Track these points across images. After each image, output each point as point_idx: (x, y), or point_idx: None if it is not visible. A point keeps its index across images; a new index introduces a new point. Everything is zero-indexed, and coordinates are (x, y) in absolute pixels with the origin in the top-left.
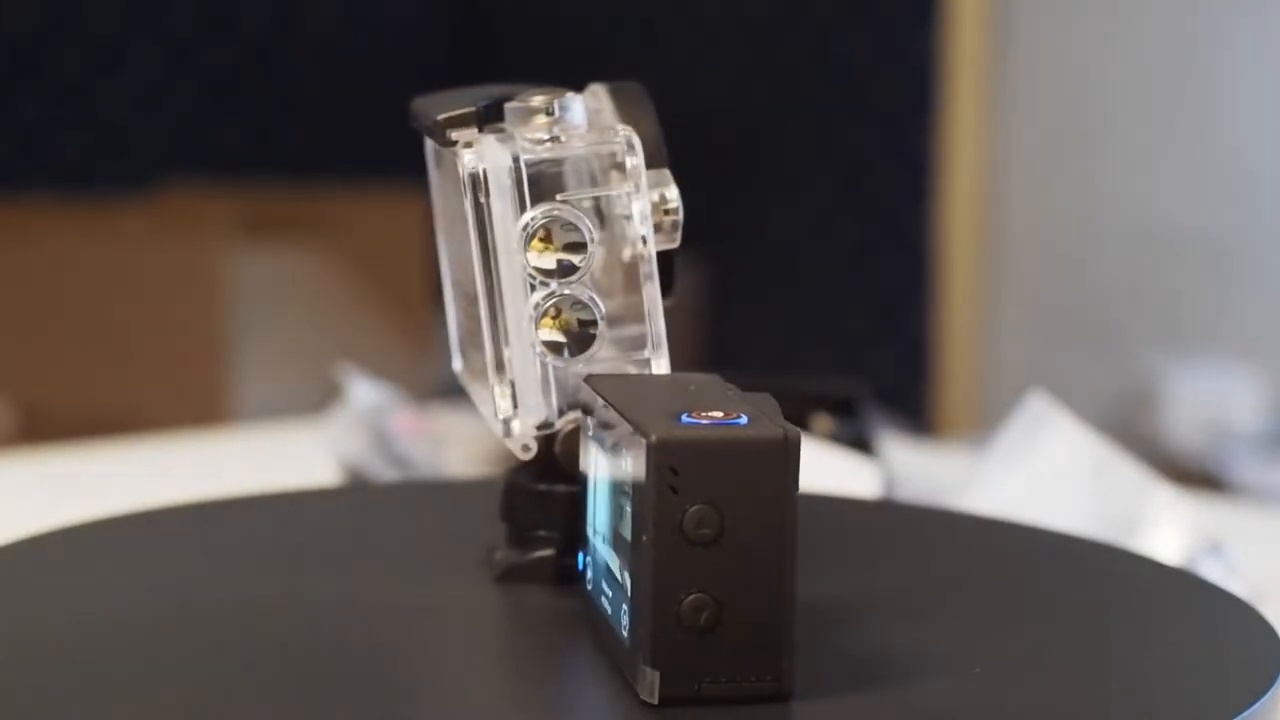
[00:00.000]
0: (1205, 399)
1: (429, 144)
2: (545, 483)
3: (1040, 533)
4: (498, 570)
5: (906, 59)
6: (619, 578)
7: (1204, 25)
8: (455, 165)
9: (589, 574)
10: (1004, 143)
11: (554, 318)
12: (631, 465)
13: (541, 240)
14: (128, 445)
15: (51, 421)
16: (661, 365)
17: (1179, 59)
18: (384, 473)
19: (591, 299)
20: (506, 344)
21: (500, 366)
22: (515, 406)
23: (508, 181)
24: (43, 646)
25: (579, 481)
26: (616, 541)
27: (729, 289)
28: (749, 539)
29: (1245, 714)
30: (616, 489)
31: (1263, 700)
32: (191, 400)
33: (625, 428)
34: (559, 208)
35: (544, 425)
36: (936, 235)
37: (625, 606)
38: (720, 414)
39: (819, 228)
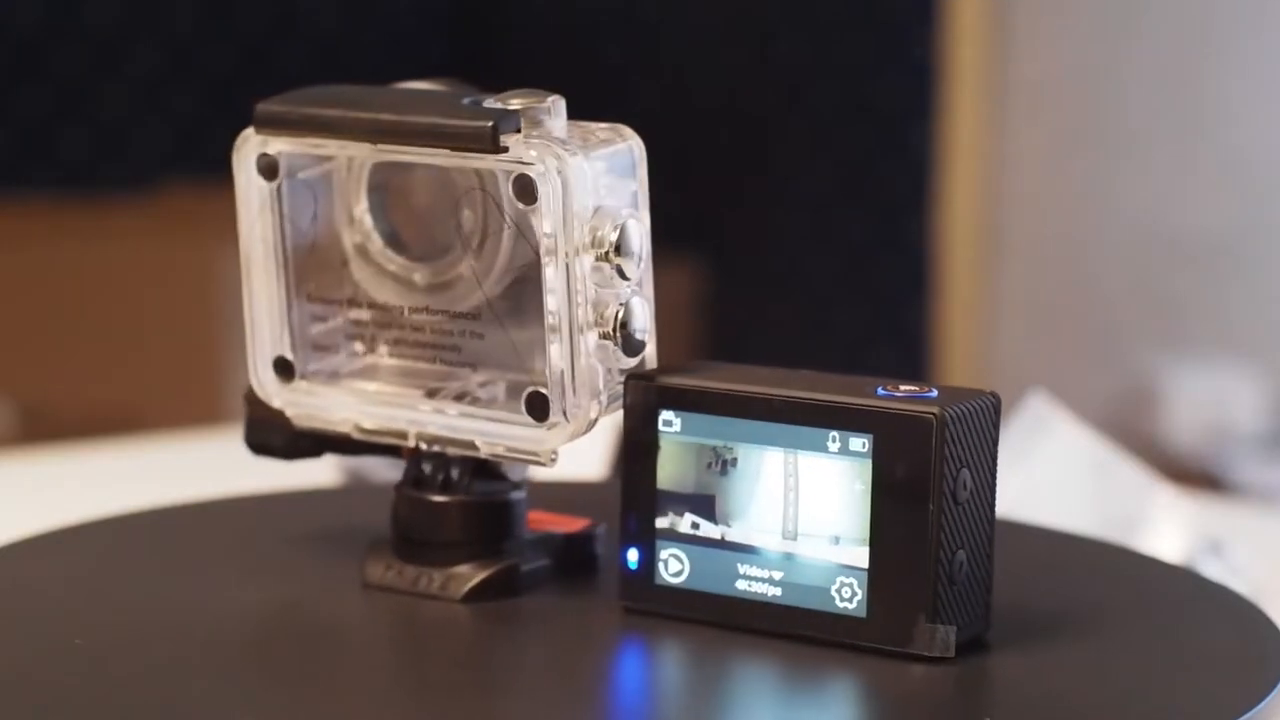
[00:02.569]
0: (1205, 399)
1: (263, 161)
2: (442, 494)
3: (1041, 531)
4: (461, 590)
5: (906, 59)
6: (823, 554)
7: (1204, 25)
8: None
9: (682, 567)
10: (1004, 143)
11: (613, 320)
12: (848, 444)
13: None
14: (128, 445)
15: (51, 421)
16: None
17: (1179, 59)
18: (384, 473)
19: (646, 302)
20: (571, 350)
21: (535, 372)
22: (564, 414)
23: (577, 185)
24: (43, 647)
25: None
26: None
27: (729, 289)
28: (981, 496)
29: (1252, 712)
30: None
31: (1269, 699)
32: (191, 400)
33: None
34: (633, 211)
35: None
36: (936, 235)
37: (856, 579)
38: (915, 388)
39: (819, 228)
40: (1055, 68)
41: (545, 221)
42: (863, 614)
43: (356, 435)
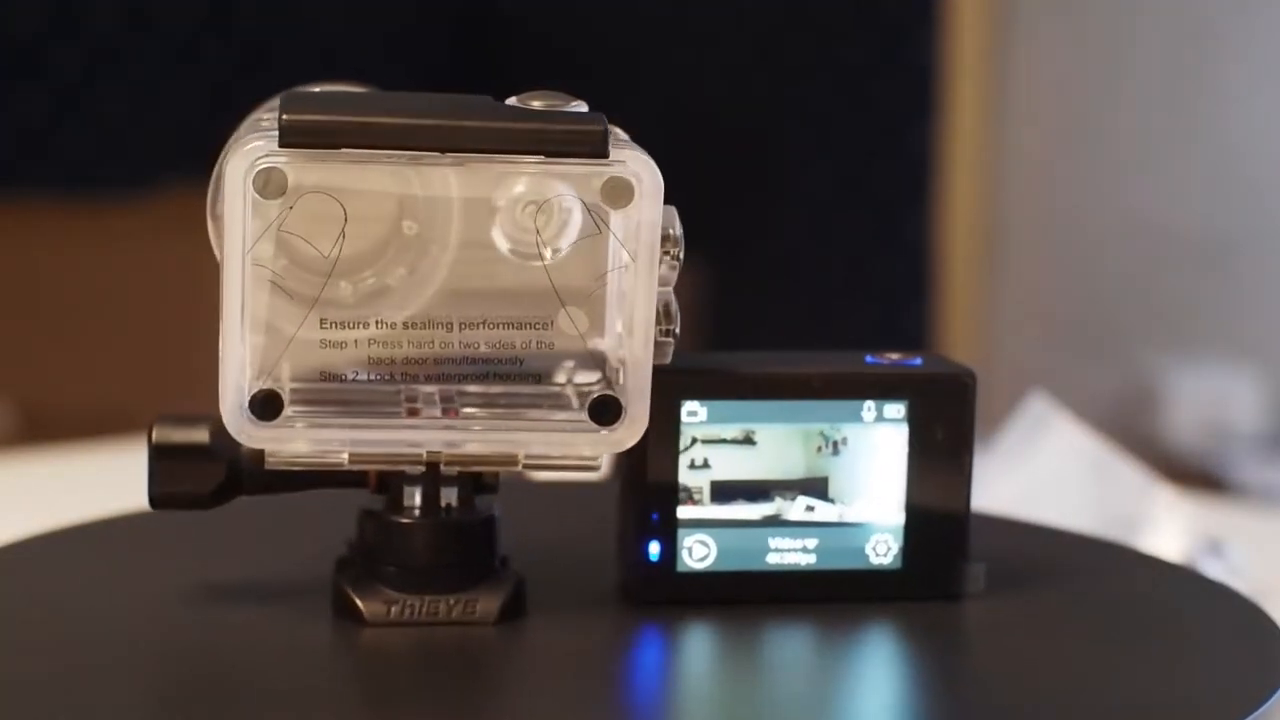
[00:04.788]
0: (1205, 399)
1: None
2: (446, 515)
3: (1041, 531)
4: (494, 613)
5: (906, 59)
6: (847, 516)
7: (1204, 26)
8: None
9: (707, 551)
10: (1004, 143)
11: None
12: (883, 412)
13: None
14: (128, 445)
15: (51, 421)
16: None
17: (1179, 59)
18: None
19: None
20: (644, 351)
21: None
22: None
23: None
24: (43, 646)
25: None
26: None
27: (729, 289)
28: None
29: (1254, 714)
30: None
31: (1271, 701)
32: (191, 400)
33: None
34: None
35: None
36: (936, 235)
37: (892, 534)
38: (897, 356)
39: (819, 228)
40: (1055, 68)
41: (642, 226)
42: (899, 566)
43: (350, 465)
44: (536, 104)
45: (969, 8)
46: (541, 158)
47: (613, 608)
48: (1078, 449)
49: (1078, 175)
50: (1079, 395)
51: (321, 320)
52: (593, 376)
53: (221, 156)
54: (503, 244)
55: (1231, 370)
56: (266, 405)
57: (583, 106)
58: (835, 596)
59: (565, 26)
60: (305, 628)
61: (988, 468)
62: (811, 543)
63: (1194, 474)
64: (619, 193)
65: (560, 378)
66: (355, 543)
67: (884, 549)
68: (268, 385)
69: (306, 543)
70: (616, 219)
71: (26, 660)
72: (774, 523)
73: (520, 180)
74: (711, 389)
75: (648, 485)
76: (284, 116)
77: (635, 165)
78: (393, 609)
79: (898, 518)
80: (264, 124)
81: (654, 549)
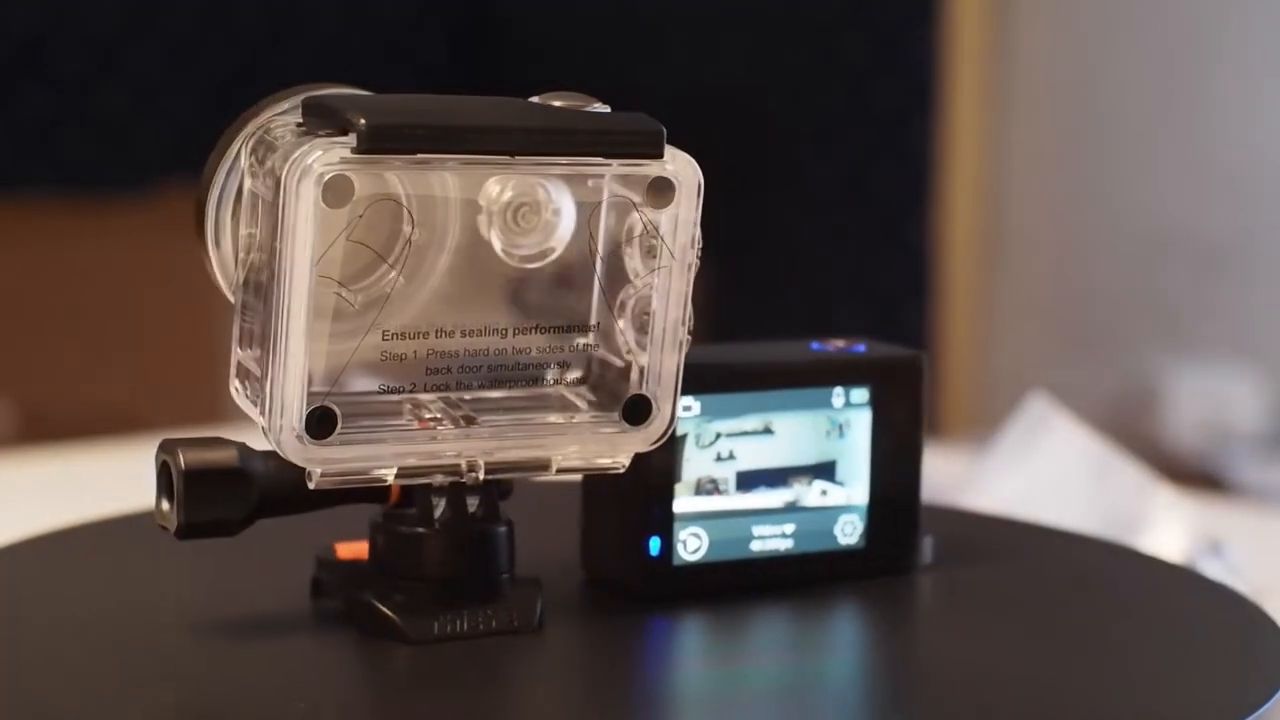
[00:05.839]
0: (1205, 399)
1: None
2: (485, 524)
3: (1042, 531)
4: (536, 618)
5: (906, 59)
6: (830, 501)
7: (1204, 26)
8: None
9: (700, 543)
10: (1004, 143)
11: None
12: (850, 397)
13: None
14: (128, 445)
15: (51, 421)
16: None
17: (1179, 59)
18: None
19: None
20: (678, 351)
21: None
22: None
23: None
24: (43, 647)
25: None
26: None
27: (729, 289)
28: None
29: (1254, 714)
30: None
31: (1271, 702)
32: (191, 400)
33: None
34: None
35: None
36: (936, 235)
37: (857, 514)
38: (843, 343)
39: (819, 228)
40: (1055, 68)
41: (680, 225)
42: (863, 545)
43: (394, 480)
44: (558, 104)
45: (969, 8)
46: (602, 159)
47: (615, 605)
48: (1078, 449)
49: (1078, 175)
50: (1079, 395)
51: (382, 333)
52: (622, 378)
53: (214, 181)
54: (498, 244)
55: (1231, 370)
56: (323, 423)
57: (604, 107)
58: (810, 578)
59: (564, 26)
60: (307, 632)
61: (988, 468)
62: (790, 528)
63: (1194, 474)
64: (663, 192)
65: (573, 378)
66: (377, 557)
67: (850, 529)
68: (323, 402)
69: (306, 542)
70: (657, 218)
71: (27, 661)
72: (756, 511)
73: (509, 182)
74: (706, 384)
75: (650, 483)
76: (363, 122)
77: (678, 164)
78: (436, 625)
79: (863, 498)
80: (290, 134)
81: (654, 544)
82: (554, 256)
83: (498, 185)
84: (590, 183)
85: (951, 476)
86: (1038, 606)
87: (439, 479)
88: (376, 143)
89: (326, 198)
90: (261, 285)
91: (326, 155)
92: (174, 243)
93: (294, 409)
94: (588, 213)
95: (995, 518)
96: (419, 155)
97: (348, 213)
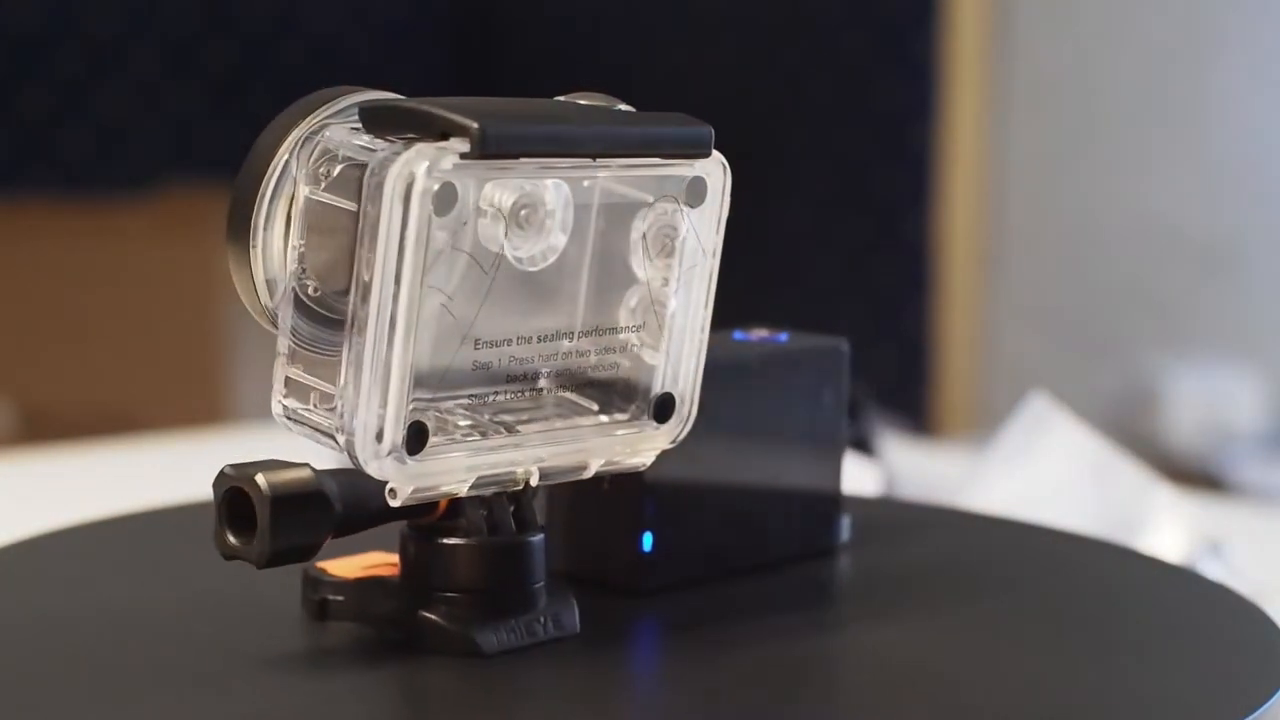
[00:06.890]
0: (1205, 399)
1: (409, 171)
2: (526, 532)
3: (1042, 531)
4: (576, 623)
5: (906, 59)
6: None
7: (1204, 26)
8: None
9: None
10: (1004, 143)
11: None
12: (815, 378)
13: None
14: (128, 445)
15: (51, 421)
16: None
17: (1179, 59)
18: None
19: None
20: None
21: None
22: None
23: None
24: (43, 647)
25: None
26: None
27: (729, 289)
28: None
29: (1254, 715)
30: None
31: (1271, 702)
32: (191, 400)
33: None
34: None
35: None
36: (936, 235)
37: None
38: (765, 332)
39: (819, 228)
40: (1055, 68)
41: (715, 223)
42: (800, 526)
43: (466, 493)
44: (583, 103)
45: (969, 8)
46: (657, 159)
47: (613, 603)
48: (1078, 448)
49: (1077, 175)
50: (1079, 395)
51: (475, 341)
52: (634, 377)
53: (260, 192)
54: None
55: (1231, 370)
56: (417, 438)
57: (629, 108)
58: (765, 564)
59: (563, 26)
60: (310, 637)
61: (988, 468)
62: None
63: (1194, 474)
64: (698, 192)
65: (580, 388)
66: (412, 571)
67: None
68: (420, 417)
69: None
70: (692, 217)
71: (27, 661)
72: (720, 501)
73: (510, 184)
74: None
75: (644, 480)
76: (476, 126)
77: (709, 164)
78: (504, 636)
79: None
80: (362, 141)
81: (648, 540)
82: (553, 258)
83: (498, 188)
84: (586, 183)
85: (951, 477)
86: (1037, 607)
87: (494, 489)
88: (492, 148)
89: (436, 205)
90: (318, 299)
91: (438, 161)
92: (174, 242)
93: (392, 426)
94: (587, 213)
95: (995, 518)
96: (524, 159)
97: (454, 220)
